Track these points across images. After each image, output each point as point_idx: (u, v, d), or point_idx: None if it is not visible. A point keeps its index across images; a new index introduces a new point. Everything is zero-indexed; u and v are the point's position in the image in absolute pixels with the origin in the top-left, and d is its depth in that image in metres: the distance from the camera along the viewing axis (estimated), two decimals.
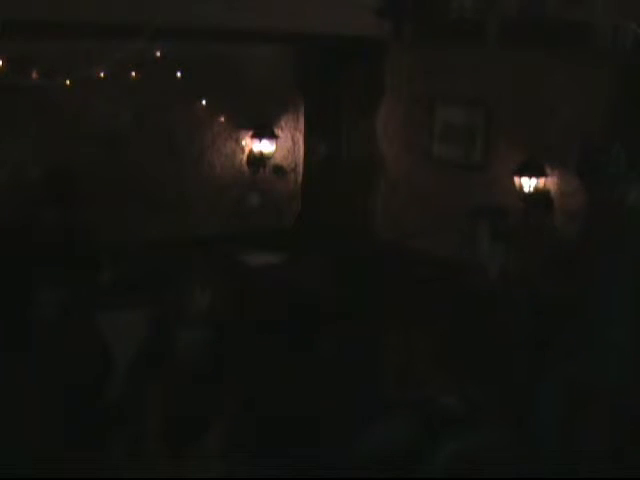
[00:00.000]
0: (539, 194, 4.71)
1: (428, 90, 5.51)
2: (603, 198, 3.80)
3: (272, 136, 5.95)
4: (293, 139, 6.19)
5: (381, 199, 6.09)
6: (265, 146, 5.92)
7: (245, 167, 6.00)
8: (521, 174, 4.75)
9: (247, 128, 5.92)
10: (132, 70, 4.81)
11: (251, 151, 5.96)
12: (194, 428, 3.42)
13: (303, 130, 6.21)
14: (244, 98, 5.76)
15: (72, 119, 5.16)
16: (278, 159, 6.09)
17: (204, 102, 5.51)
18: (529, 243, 4.68)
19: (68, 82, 4.75)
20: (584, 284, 3.76)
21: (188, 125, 5.69)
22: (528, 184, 4.72)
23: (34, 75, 4.68)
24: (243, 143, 5.97)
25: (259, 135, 5.92)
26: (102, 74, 4.73)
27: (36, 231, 4.26)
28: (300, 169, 6.26)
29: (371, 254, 5.75)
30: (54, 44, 4.78)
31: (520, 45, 4.44)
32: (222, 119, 5.77)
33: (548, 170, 4.73)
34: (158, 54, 4.86)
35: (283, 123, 6.12)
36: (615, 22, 3.94)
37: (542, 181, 4.72)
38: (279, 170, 6.11)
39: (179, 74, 5.23)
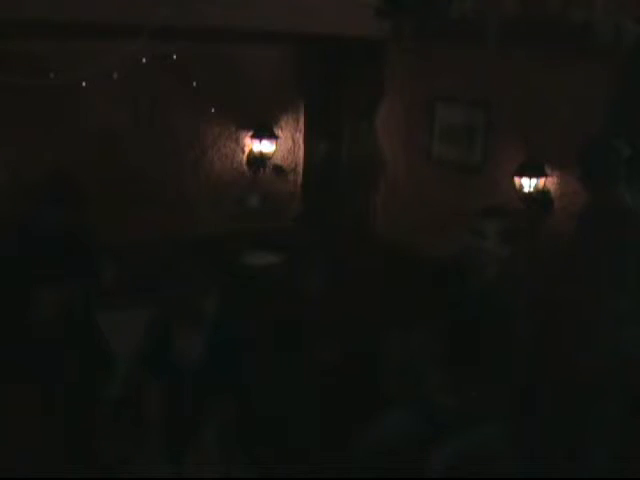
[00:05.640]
0: (539, 194, 4.71)
1: (428, 90, 5.51)
2: (603, 198, 3.80)
3: (272, 136, 5.95)
4: (293, 139, 6.19)
5: (381, 199, 6.09)
6: (265, 146, 5.92)
7: (245, 167, 6.00)
8: (521, 174, 4.75)
9: (247, 128, 5.92)
10: (132, 70, 4.81)
11: (251, 151, 5.96)
12: (194, 429, 3.42)
13: (303, 130, 6.21)
14: (244, 98, 5.76)
15: (72, 119, 5.16)
16: (278, 159, 6.09)
17: (204, 102, 5.52)
18: (529, 243, 4.68)
19: (68, 82, 4.76)
20: (584, 284, 3.76)
21: (188, 125, 5.69)
22: (528, 184, 4.72)
23: (34, 75, 4.68)
24: (243, 143, 5.97)
25: (259, 135, 5.91)
26: (102, 74, 4.73)
27: (36, 231, 4.25)
28: (300, 169, 6.26)
29: (371, 254, 5.75)
30: (54, 44, 4.78)
31: (520, 45, 4.44)
32: (222, 119, 5.77)
33: (548, 170, 4.73)
34: (158, 54, 4.87)
35: (283, 123, 6.12)
36: (615, 22, 3.94)
37: (542, 181, 4.72)
38: (279, 170, 6.11)
39: (179, 74, 5.25)
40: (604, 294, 3.67)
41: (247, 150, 5.98)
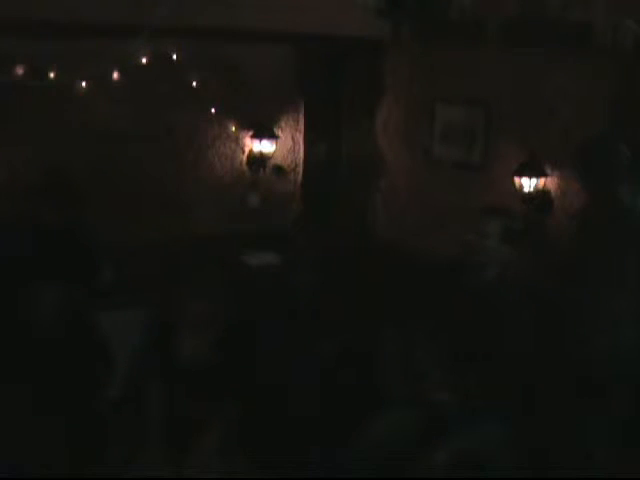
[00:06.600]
0: (539, 194, 4.72)
1: (428, 90, 5.51)
2: (603, 198, 3.80)
3: (272, 136, 5.95)
4: (293, 139, 6.19)
5: (381, 199, 6.09)
6: (265, 146, 5.92)
7: (245, 167, 6.00)
8: (521, 174, 4.75)
9: (247, 128, 5.92)
10: (132, 70, 4.82)
11: (251, 151, 5.96)
12: (194, 429, 3.42)
13: (303, 130, 6.21)
14: (244, 98, 5.76)
15: (72, 119, 5.16)
16: (278, 159, 6.09)
17: (204, 102, 5.52)
18: (529, 243, 4.68)
19: (68, 82, 4.76)
20: (584, 284, 3.76)
21: (188, 125, 5.69)
22: (528, 184, 4.72)
23: (34, 75, 4.69)
24: (243, 143, 5.96)
25: (259, 135, 5.91)
26: (102, 74, 4.74)
27: (36, 231, 4.25)
28: (300, 169, 6.26)
29: (371, 254, 5.75)
30: (54, 44, 4.78)
31: (520, 45, 4.44)
32: (222, 119, 5.77)
33: (548, 170, 4.73)
34: (158, 54, 4.87)
35: (283, 123, 6.11)
36: (615, 22, 3.94)
37: (542, 181, 4.72)
38: (279, 170, 6.11)
39: (179, 74, 5.25)
40: (604, 294, 3.67)
41: (247, 150, 5.98)
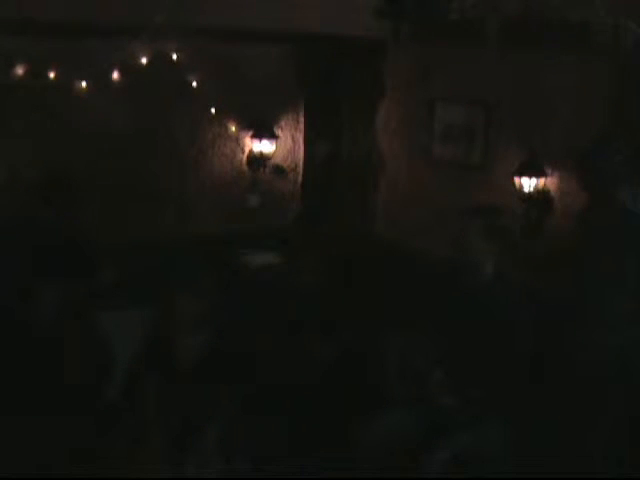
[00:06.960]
0: (539, 194, 4.72)
1: (428, 90, 5.51)
2: (604, 199, 3.80)
3: (272, 136, 5.95)
4: (293, 139, 6.18)
5: (381, 199, 6.09)
6: (265, 146, 5.91)
7: (245, 167, 6.00)
8: (521, 174, 4.75)
9: (247, 128, 5.92)
10: (132, 70, 4.82)
11: (251, 151, 5.96)
12: (192, 429, 3.42)
13: (303, 130, 6.21)
14: (244, 98, 5.76)
15: (72, 119, 5.15)
16: (278, 159, 6.09)
17: (204, 102, 5.52)
18: (528, 243, 4.68)
19: (68, 82, 4.76)
20: (583, 285, 3.76)
21: (188, 125, 5.69)
22: (528, 184, 4.72)
23: (32, 75, 4.69)
24: (243, 143, 5.96)
25: (259, 135, 5.91)
26: (102, 74, 4.74)
27: (35, 231, 4.25)
28: (300, 169, 6.26)
29: (371, 254, 5.75)
30: (54, 44, 4.78)
31: (520, 45, 4.44)
32: (222, 119, 5.77)
33: (548, 170, 4.73)
34: (158, 54, 4.88)
35: (283, 123, 6.11)
36: (615, 22, 3.94)
37: (542, 181, 4.72)
38: (279, 170, 6.11)
39: (179, 74, 5.25)
40: (604, 295, 3.67)
41: (247, 150, 5.98)
